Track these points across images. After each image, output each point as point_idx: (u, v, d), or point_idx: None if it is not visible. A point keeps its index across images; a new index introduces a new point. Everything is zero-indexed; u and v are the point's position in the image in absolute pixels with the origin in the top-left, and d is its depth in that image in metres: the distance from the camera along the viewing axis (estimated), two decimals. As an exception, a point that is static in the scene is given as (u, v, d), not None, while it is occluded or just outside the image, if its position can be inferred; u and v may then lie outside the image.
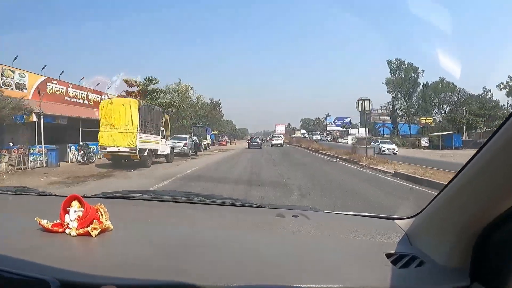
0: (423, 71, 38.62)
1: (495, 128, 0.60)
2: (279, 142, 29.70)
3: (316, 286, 0.67)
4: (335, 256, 0.84)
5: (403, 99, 38.82)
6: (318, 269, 0.76)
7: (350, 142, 30.02)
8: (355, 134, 37.41)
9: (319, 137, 45.60)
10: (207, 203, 1.29)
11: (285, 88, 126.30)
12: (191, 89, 28.99)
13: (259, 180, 7.19)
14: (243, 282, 0.68)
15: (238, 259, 0.80)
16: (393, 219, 1.08)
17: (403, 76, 37.97)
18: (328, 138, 46.95)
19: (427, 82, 38.73)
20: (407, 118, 38.42)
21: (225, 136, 51.17)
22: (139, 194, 1.40)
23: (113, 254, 0.80)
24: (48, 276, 0.61)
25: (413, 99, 38.45)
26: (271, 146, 28.57)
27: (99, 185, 6.78)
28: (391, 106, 40.59)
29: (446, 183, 0.76)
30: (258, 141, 28.79)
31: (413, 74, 38.27)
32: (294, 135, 50.67)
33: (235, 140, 50.26)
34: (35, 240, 0.81)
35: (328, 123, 47.51)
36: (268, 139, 62.66)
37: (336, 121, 46.63)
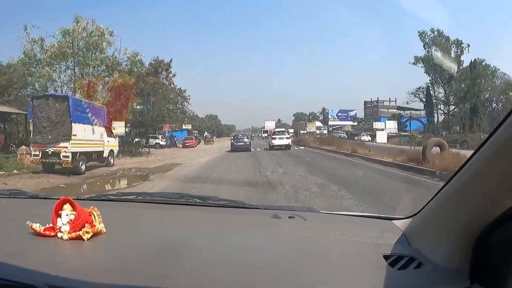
0: (468, 45, 36.53)
1: None
2: (284, 142, 22.96)
3: None
4: (332, 258, 1.02)
5: (441, 83, 37.51)
6: (314, 272, 0.91)
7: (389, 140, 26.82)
8: (383, 130, 37.18)
9: (367, 137, 35.69)
10: (202, 204, 1.57)
11: (275, 82, 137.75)
12: (111, 34, 20.62)
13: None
14: (238, 286, 0.83)
15: (233, 262, 0.98)
16: (391, 219, 1.31)
17: (440, 52, 36.20)
18: (341, 135, 43.26)
19: (475, 60, 35.82)
20: (446, 109, 37.75)
21: (196, 133, 48.27)
22: (134, 196, 1.68)
23: (105, 258, 1.00)
24: (36, 282, 0.76)
25: (452, 83, 36.85)
26: (270, 148, 23.00)
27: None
28: (423, 93, 39.51)
29: (445, 183, 0.92)
30: (245, 140, 23.92)
31: (454, 49, 36.41)
32: (305, 130, 46.71)
33: (212, 138, 46.71)
34: (25, 245, 1.02)
35: (330, 117, 48.07)
36: (262, 135, 61.03)
37: (339, 114, 47.23)
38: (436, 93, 39.20)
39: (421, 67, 38.01)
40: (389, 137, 24.57)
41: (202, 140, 43.38)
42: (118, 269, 0.91)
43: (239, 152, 20.36)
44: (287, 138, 23.66)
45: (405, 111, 46.19)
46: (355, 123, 45.86)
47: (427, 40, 37.48)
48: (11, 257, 0.90)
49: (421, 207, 1.09)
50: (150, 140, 28.94)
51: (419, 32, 37.41)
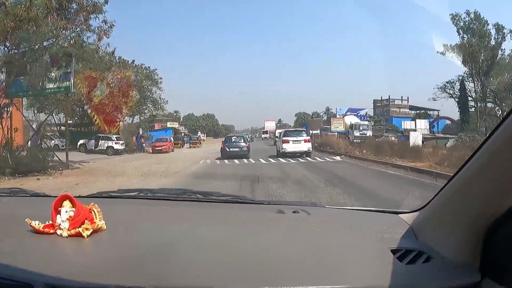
0: (511, 31, 34.80)
1: None
2: (301, 147, 18.82)
3: (319, 287, 0.90)
4: (338, 253, 1.15)
5: (476, 76, 36.65)
6: (320, 268, 1.03)
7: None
8: (416, 130, 36.46)
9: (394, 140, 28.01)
10: (205, 200, 1.77)
11: (275, 82, 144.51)
12: None
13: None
14: (241, 283, 0.94)
15: (237, 258, 1.12)
16: (397, 213, 1.48)
17: (477, 38, 35.12)
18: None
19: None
20: (481, 106, 36.72)
21: (183, 133, 45.73)
22: (135, 193, 1.90)
23: (104, 256, 1.15)
24: (33, 280, 0.88)
25: (490, 75, 35.77)
26: (280, 155, 19.06)
27: None
28: (452, 87, 38.75)
29: (452, 175, 1.03)
30: (241, 143, 20.37)
31: (495, 36, 35.40)
32: (328, 128, 41.43)
33: (200, 140, 42.75)
34: (24, 242, 1.20)
35: (338, 116, 48.31)
36: (262, 136, 61.11)
37: (348, 113, 47.61)
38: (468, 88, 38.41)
39: (452, 57, 37.66)
40: (424, 139, 23.98)
41: (197, 142, 40.51)
42: (118, 267, 1.04)
43: (230, 164, 16.53)
44: (305, 141, 19.18)
45: (433, 111, 46.29)
46: (372, 123, 45.99)
47: (462, 25, 36.51)
48: (10, 255, 1.05)
49: (428, 201, 1.24)
50: (100, 142, 26.42)
51: (451, 15, 36.67)
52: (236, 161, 18.14)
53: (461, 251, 0.98)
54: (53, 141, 25.93)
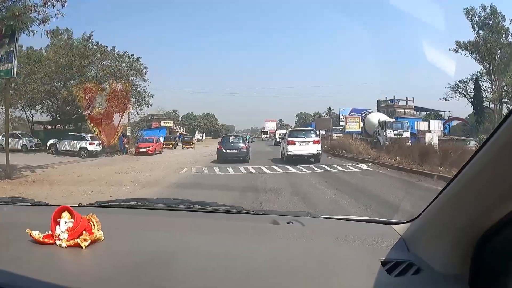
0: None
1: None
2: (309, 150, 17.52)
3: None
4: (328, 264, 1.24)
5: (492, 74, 36.34)
6: (311, 278, 1.11)
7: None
8: (430, 131, 35.65)
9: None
10: (202, 210, 1.92)
11: (275, 82, 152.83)
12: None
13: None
14: None
15: (231, 268, 1.22)
16: (390, 223, 1.61)
17: (493, 35, 35.03)
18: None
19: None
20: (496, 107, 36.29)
21: (178, 132, 45.48)
22: (133, 203, 2.06)
23: (102, 266, 1.26)
24: None
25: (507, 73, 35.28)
26: (286, 159, 17.89)
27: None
28: (465, 86, 38.38)
29: (444, 186, 1.08)
30: (240, 144, 19.24)
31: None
32: (336, 129, 39.61)
33: (192, 140, 41.57)
34: (24, 252, 1.31)
35: (342, 116, 48.59)
36: (262, 137, 61.62)
37: (352, 114, 47.90)
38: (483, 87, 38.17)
39: (465, 54, 37.45)
40: (439, 141, 23.14)
41: (190, 142, 39.47)
42: (114, 277, 1.14)
43: (221, 175, 13.85)
44: (314, 142, 17.96)
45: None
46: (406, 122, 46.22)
47: (477, 20, 36.43)
48: (10, 264, 1.15)
49: (420, 211, 1.33)
50: (73, 142, 24.18)
51: (465, 9, 36.79)
52: (230, 169, 14.97)
53: (450, 263, 1.05)
54: (20, 141, 25.05)
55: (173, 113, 59.90)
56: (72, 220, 1.41)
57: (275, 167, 15.80)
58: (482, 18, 36.78)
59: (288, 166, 15.80)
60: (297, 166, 15.59)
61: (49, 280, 1.06)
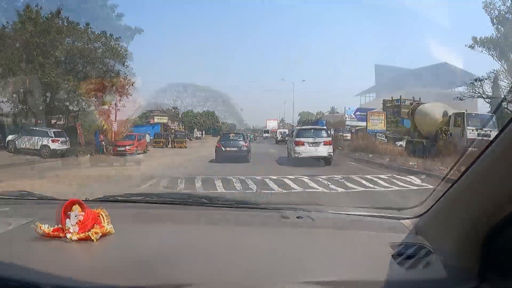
0: None
1: None
2: (319, 151, 16.20)
3: (319, 280, 1.09)
4: (339, 258, 1.33)
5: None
6: (321, 272, 1.19)
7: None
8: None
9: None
10: (210, 204, 2.00)
11: (276, 81, 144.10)
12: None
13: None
14: (245, 285, 1.12)
15: (240, 262, 1.30)
16: (400, 218, 1.69)
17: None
18: (379, 138, 37.92)
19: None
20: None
21: (174, 129, 42.64)
22: (141, 197, 2.16)
23: (113, 259, 1.34)
24: (40, 282, 1.04)
25: None
26: (292, 161, 16.52)
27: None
28: (480, 85, 37.20)
29: (454, 180, 1.16)
30: (240, 141, 18.74)
31: None
32: (347, 128, 38.13)
33: (185, 139, 35.81)
34: (34, 246, 1.38)
35: (347, 116, 48.92)
36: (263, 136, 61.19)
37: (357, 113, 48.14)
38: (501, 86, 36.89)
39: (481, 51, 37.19)
40: None
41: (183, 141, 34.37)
42: (126, 270, 1.21)
43: (214, 181, 10.56)
44: (325, 143, 16.54)
45: None
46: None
47: (497, 14, 35.03)
48: (19, 258, 1.21)
49: (429, 206, 1.43)
50: (33, 139, 20.68)
51: (484, 3, 35.27)
52: (219, 183, 10.53)
53: (460, 256, 1.14)
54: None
55: (173, 110, 59.82)
56: (83, 213, 1.48)
57: (286, 180, 11.15)
58: (502, 12, 35.64)
59: (304, 178, 11.43)
60: (317, 177, 11.65)
61: (59, 273, 1.11)
